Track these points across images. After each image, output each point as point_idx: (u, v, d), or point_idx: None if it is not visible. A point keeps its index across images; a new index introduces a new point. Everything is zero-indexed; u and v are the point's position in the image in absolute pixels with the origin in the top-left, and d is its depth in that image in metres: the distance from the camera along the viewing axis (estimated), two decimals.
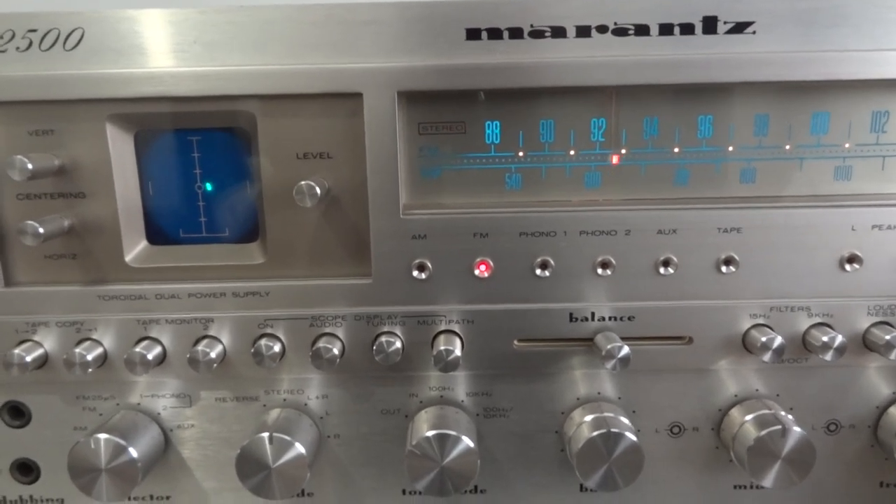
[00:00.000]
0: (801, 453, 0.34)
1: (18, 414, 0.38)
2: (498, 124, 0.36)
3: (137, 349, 0.35)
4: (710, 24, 0.33)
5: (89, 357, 0.35)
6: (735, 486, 0.39)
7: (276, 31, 0.33)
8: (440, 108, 0.35)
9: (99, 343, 0.36)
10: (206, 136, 0.36)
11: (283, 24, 0.33)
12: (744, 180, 0.36)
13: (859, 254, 0.35)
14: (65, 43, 0.33)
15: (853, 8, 0.33)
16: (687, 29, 0.33)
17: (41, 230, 0.32)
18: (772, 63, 0.33)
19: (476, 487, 0.39)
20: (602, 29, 0.33)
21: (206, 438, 0.38)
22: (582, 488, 0.39)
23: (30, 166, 0.32)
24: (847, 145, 0.36)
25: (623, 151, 0.36)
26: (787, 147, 0.36)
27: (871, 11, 0.33)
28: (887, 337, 0.35)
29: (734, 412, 0.37)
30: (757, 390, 0.37)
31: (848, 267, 0.35)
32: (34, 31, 0.33)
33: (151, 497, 0.39)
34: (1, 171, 0.34)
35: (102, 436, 0.34)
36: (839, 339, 0.35)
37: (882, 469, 0.38)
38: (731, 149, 0.36)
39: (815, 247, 0.35)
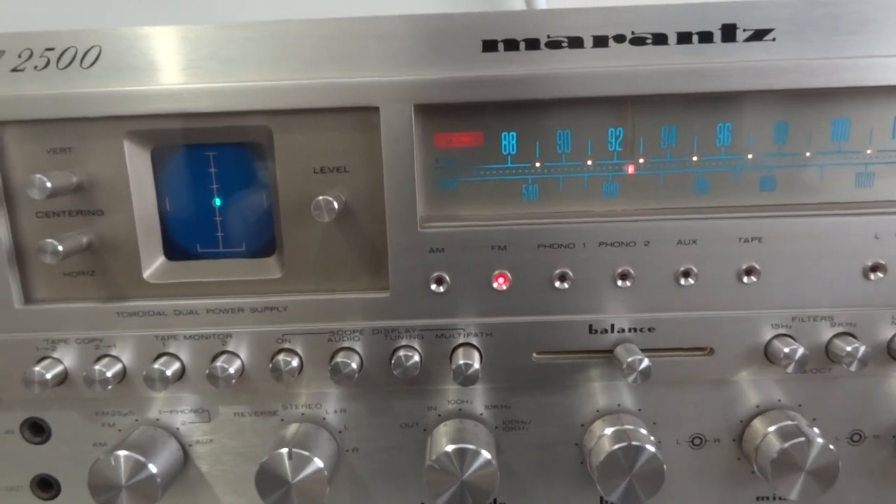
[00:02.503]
0: (825, 465, 0.34)
1: (39, 430, 0.38)
2: (514, 135, 0.35)
3: (156, 365, 0.35)
4: (729, 32, 0.33)
5: (108, 374, 0.35)
6: (758, 498, 0.38)
7: (291, 45, 0.33)
8: (457, 120, 0.35)
9: (118, 359, 0.36)
10: (222, 151, 0.36)
11: (299, 39, 0.33)
12: (764, 188, 0.36)
13: (883, 262, 0.35)
14: (82, 61, 0.33)
15: (874, 14, 0.33)
16: (705, 37, 0.33)
17: (60, 248, 0.33)
18: (792, 70, 0.33)
19: (496, 501, 0.38)
20: (619, 39, 0.33)
21: (225, 453, 0.38)
22: (602, 501, 0.38)
23: (49, 185, 0.32)
24: (869, 151, 0.36)
25: (641, 161, 0.36)
26: (808, 154, 0.36)
27: (892, 17, 0.33)
28: None
29: (756, 423, 0.36)
30: (779, 401, 0.37)
31: (872, 276, 0.35)
32: (52, 49, 0.33)
33: None
34: (20, 189, 0.34)
35: (122, 453, 0.34)
36: (863, 349, 0.34)
37: None
38: (750, 157, 0.36)
39: (838, 255, 0.35)
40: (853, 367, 0.34)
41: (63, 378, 0.36)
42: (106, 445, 0.37)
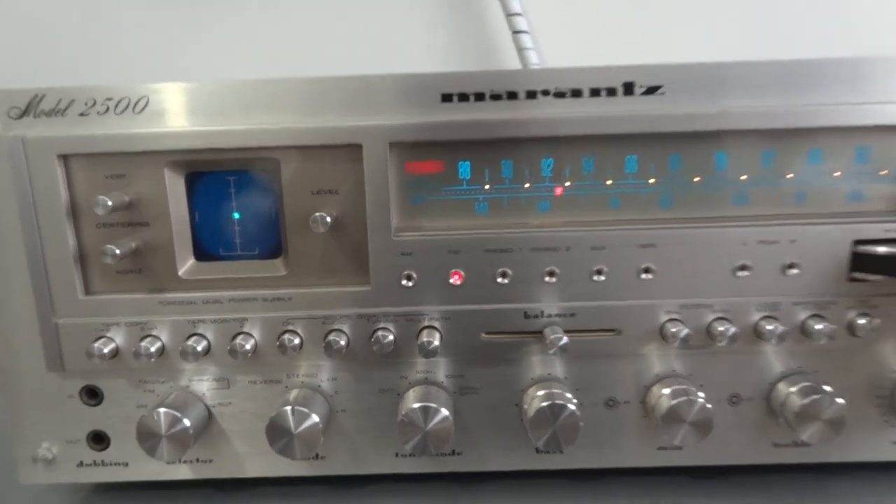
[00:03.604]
0: (703, 419, 0.43)
1: (94, 395, 0.46)
2: (468, 164, 0.45)
3: (188, 343, 0.43)
4: (629, 88, 0.43)
5: (152, 349, 0.44)
6: (658, 448, 0.47)
7: (295, 97, 0.42)
8: (423, 153, 0.44)
9: (158, 339, 0.44)
10: (241, 176, 0.45)
11: (301, 93, 0.42)
12: (662, 206, 0.45)
13: (749, 263, 0.44)
14: (134, 108, 0.42)
15: (736, 76, 0.42)
16: (611, 92, 0.42)
17: (118, 251, 0.42)
18: (678, 118, 0.42)
19: (453, 450, 0.47)
20: (545, 93, 0.42)
21: (241, 413, 0.46)
22: (537, 450, 0.48)
23: (109, 203, 0.41)
24: (743, 177, 0.45)
25: (567, 184, 0.45)
26: (696, 179, 0.45)
27: (748, 78, 0.42)
28: (769, 327, 0.44)
29: (655, 388, 0.45)
30: (674, 370, 0.47)
31: (740, 273, 0.44)
32: (111, 99, 0.42)
33: (198, 460, 0.47)
34: (86, 207, 0.43)
35: (162, 409, 0.43)
36: (733, 329, 0.44)
37: (775, 432, 0.47)
38: (651, 181, 0.45)
39: (715, 258, 0.43)
40: (724, 344, 0.44)
41: (115, 353, 0.44)
42: (147, 407, 0.46)
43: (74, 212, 0.44)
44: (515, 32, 0.70)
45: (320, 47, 0.73)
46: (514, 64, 0.71)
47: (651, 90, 0.43)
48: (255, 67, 0.72)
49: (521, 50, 0.70)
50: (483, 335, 0.45)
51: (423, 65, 0.74)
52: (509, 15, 0.71)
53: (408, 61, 0.74)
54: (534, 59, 0.70)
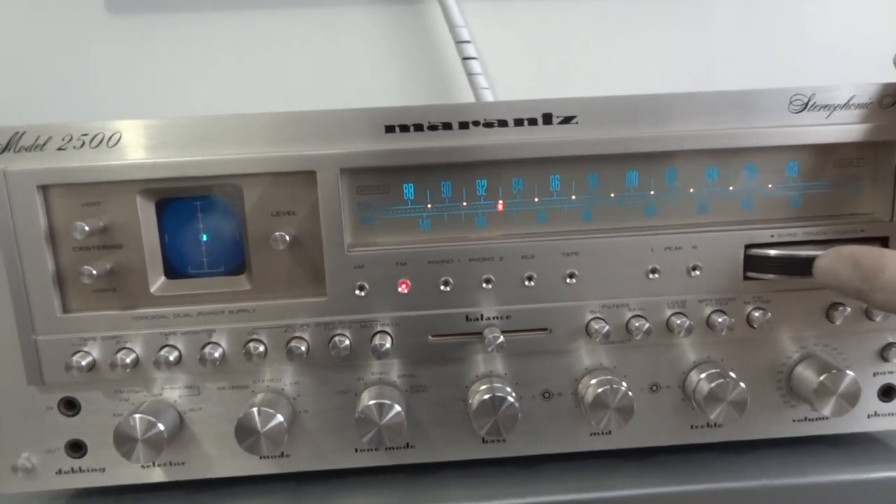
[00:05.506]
0: (625, 405, 0.49)
1: (71, 406, 0.48)
2: (412, 186, 0.50)
3: (161, 354, 0.47)
4: (547, 118, 0.49)
5: (127, 360, 0.48)
6: (591, 434, 0.53)
7: (256, 130, 0.47)
8: (371, 176, 0.50)
9: (132, 351, 0.47)
10: (206, 201, 0.49)
11: (262, 127, 0.47)
12: (584, 218, 0.52)
13: (658, 267, 0.51)
14: (108, 142, 0.47)
15: (640, 108, 0.49)
16: (532, 122, 0.49)
17: (94, 272, 0.46)
18: (590, 143, 0.49)
19: (407, 444, 0.51)
20: (476, 123, 0.48)
21: (211, 418, 0.49)
22: (483, 440, 0.53)
23: (86, 228, 0.45)
24: (652, 192, 0.52)
25: (500, 202, 0.52)
26: (612, 195, 0.52)
27: (653, 109, 0.50)
28: (679, 322, 0.51)
29: (584, 379, 0.51)
30: (601, 364, 0.53)
31: (651, 276, 0.51)
32: (86, 134, 0.46)
33: (171, 463, 0.50)
34: (63, 232, 0.47)
35: (138, 415, 0.47)
36: (647, 325, 0.50)
37: (691, 415, 0.53)
38: (574, 198, 0.52)
39: (630, 263, 0.50)
40: (640, 338, 0.51)
41: (92, 366, 0.47)
42: (122, 415, 0.50)
43: (53, 237, 0.47)
44: (465, 59, 0.77)
45: (286, 78, 0.79)
46: (465, 87, 0.77)
47: (567, 120, 0.49)
48: (228, 98, 0.76)
49: (470, 75, 0.77)
50: (430, 338, 0.49)
51: (385, 91, 0.80)
52: (458, 42, 0.78)
53: (370, 89, 0.80)
54: (483, 84, 0.77)
